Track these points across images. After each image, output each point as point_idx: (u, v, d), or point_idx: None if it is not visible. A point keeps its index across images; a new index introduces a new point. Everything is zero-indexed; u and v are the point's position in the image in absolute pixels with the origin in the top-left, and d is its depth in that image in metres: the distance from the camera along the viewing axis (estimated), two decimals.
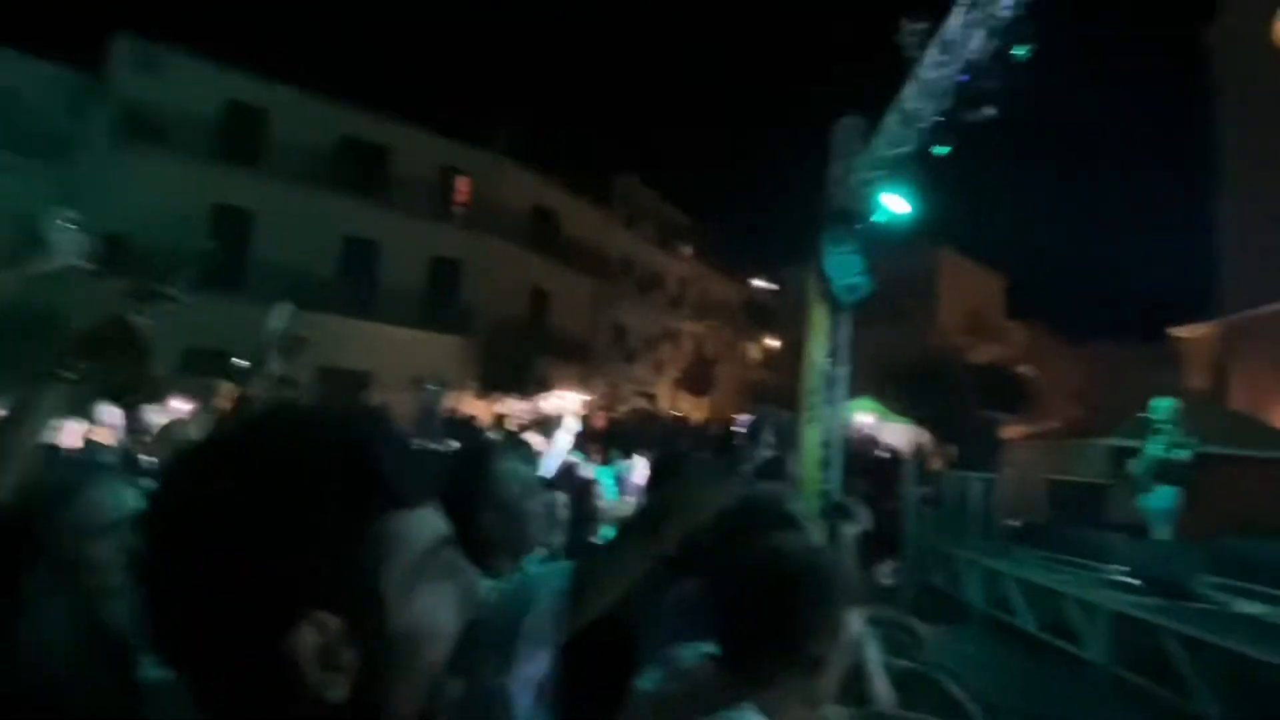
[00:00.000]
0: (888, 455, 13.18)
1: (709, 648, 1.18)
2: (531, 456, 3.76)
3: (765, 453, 1.31)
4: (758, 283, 36.32)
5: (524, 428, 8.96)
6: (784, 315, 30.04)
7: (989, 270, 33.15)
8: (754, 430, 1.40)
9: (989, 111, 6.06)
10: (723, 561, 1.22)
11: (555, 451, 3.68)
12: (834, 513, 2.26)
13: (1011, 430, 17.06)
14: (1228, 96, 19.46)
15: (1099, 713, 4.93)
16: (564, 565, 1.40)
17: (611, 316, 27.35)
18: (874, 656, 1.71)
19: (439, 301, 21.13)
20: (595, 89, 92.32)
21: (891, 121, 7.51)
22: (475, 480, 1.53)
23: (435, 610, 0.53)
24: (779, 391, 18.02)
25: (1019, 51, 5.74)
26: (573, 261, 25.07)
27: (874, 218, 8.52)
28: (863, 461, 12.16)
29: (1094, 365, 28.80)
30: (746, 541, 1.22)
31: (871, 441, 14.25)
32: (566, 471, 3.58)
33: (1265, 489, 11.99)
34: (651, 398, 28.37)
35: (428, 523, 0.55)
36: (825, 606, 1.10)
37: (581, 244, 25.43)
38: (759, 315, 35.48)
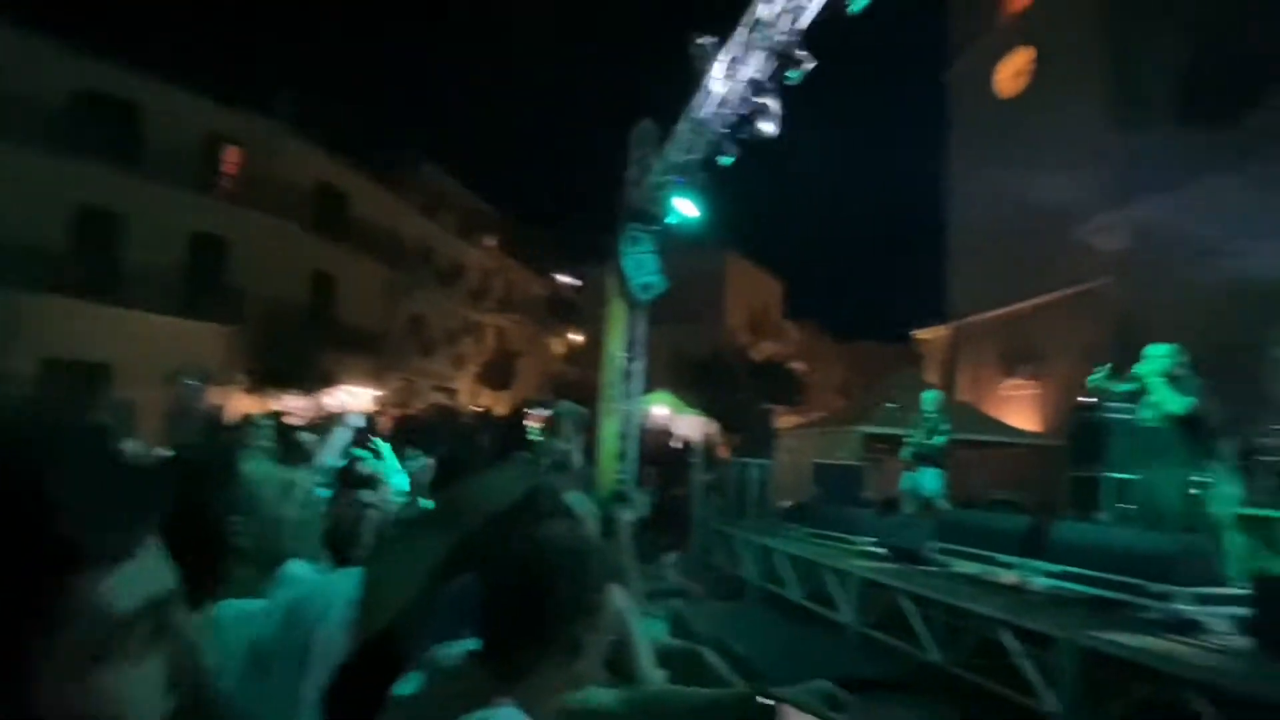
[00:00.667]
0: (680, 445, 13.96)
1: (471, 644, 1.16)
2: (302, 456, 3.49)
3: (560, 445, 1.33)
4: (562, 278, 36.58)
5: (302, 426, 8.28)
6: (587, 311, 30.50)
7: (770, 274, 36.16)
8: (550, 424, 1.42)
9: (769, 128, 6.61)
10: (489, 554, 1.21)
11: (331, 450, 3.44)
12: (613, 501, 2.35)
13: (786, 420, 18.84)
14: (957, 132, 22.90)
15: (848, 668, 5.58)
16: (352, 571, 1.33)
17: (408, 307, 26.03)
18: (639, 634, 1.80)
19: (201, 284, 18.76)
20: (397, 70, 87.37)
21: (683, 129, 7.94)
22: (217, 487, 1.39)
23: (123, 695, 0.44)
24: (581, 386, 18.29)
25: (793, 75, 6.33)
26: (363, 246, 23.44)
27: (667, 220, 8.98)
28: (656, 452, 12.77)
29: (856, 361, 32.59)
30: (514, 533, 1.22)
31: (665, 433, 15.00)
32: (346, 471, 3.35)
33: (981, 467, 14.37)
34: (451, 392, 27.47)
35: (133, 582, 0.45)
36: (580, 589, 1.11)
37: (374, 228, 23.85)
38: (563, 310, 35.75)
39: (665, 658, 1.94)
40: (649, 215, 8.99)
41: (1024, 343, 18.82)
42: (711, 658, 2.25)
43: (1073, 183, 16.35)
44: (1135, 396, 5.95)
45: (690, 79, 7.57)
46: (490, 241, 32.38)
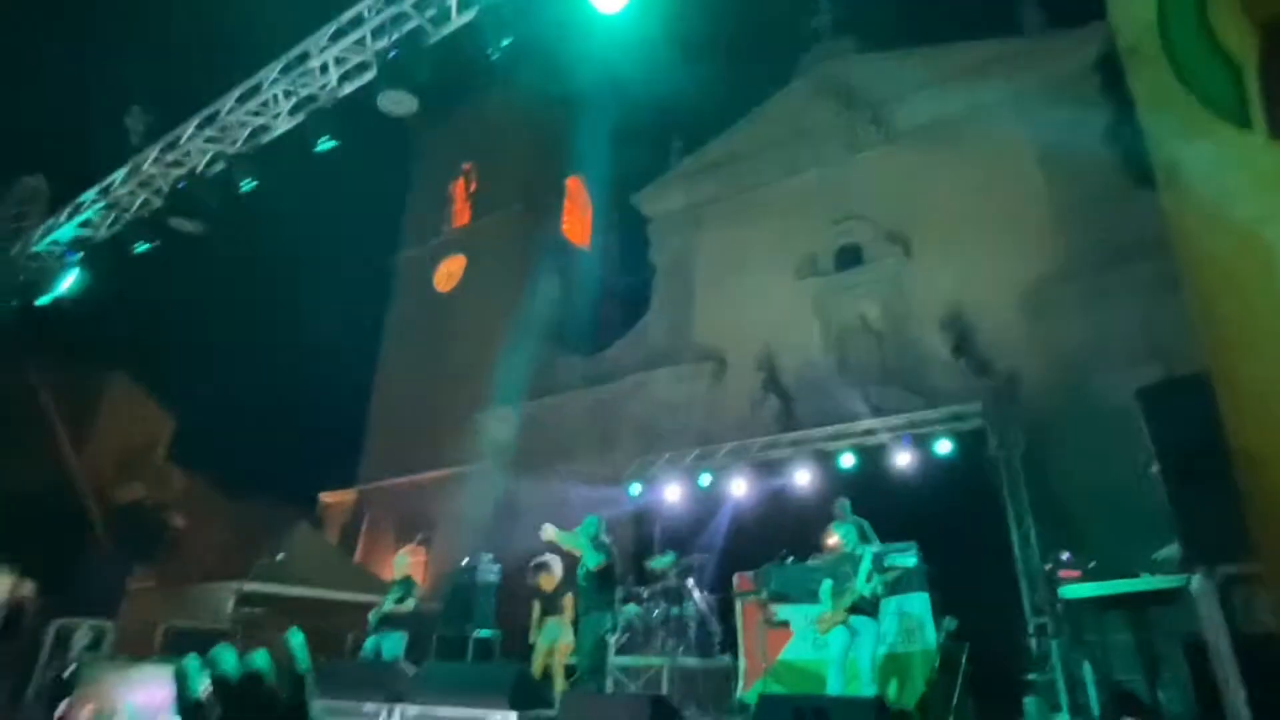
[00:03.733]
0: None
1: None
2: None
3: None
4: None
5: None
6: None
7: (162, 409, 31.16)
8: None
9: (196, 227, 6.18)
10: None
11: None
12: None
13: (144, 580, 15.63)
14: (395, 312, 24.87)
15: None
16: None
17: None
18: None
19: None
20: None
21: (91, 198, 6.79)
22: None
23: None
24: None
25: (245, 185, 6.18)
26: None
27: (39, 298, 7.24)
28: None
29: (249, 519, 29.51)
30: None
31: None
32: None
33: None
34: None
35: None
36: None
37: None
38: None
39: None
40: (5, 285, 7.11)
41: (419, 511, 20.23)
42: None
43: (479, 378, 19.33)
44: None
45: (108, 149, 6.68)
46: None
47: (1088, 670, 7.15)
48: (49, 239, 7.15)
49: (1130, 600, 4.83)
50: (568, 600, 7.30)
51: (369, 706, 5.85)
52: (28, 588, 12.40)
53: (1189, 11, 1.86)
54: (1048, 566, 7.70)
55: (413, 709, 5.51)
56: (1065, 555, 6.54)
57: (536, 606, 7.66)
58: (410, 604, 8.34)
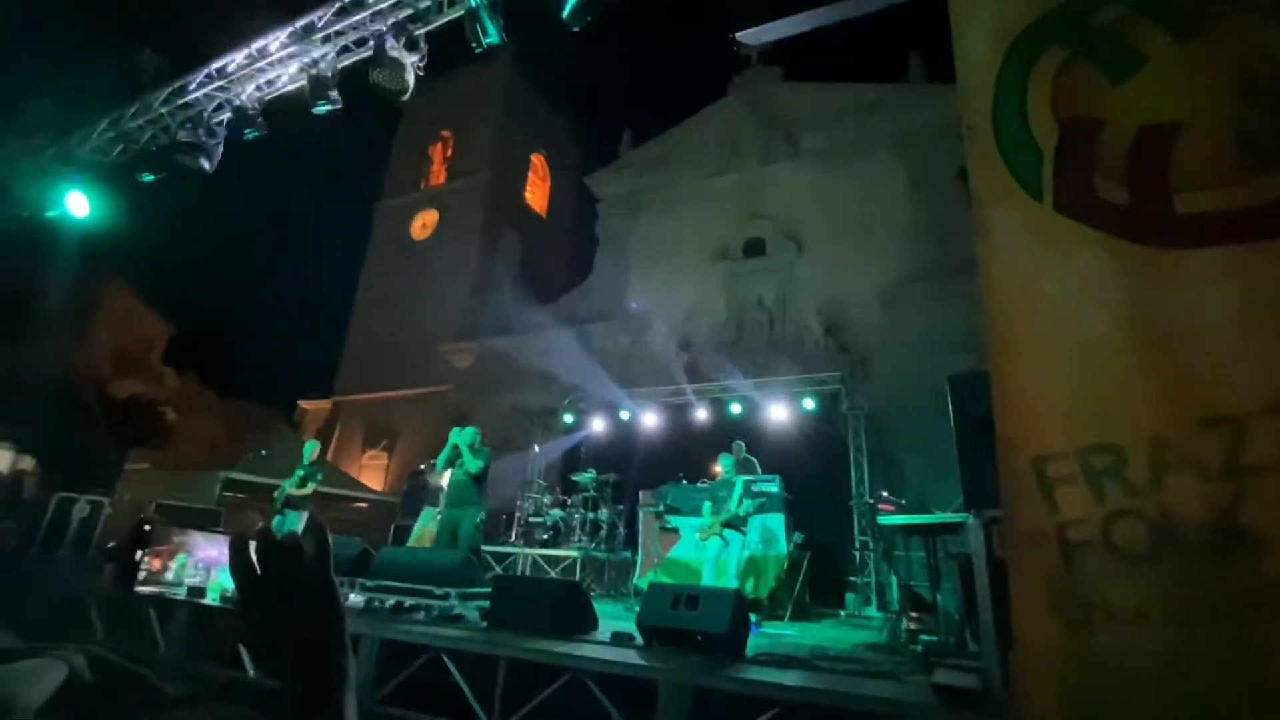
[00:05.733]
0: None
1: None
2: None
3: None
4: None
5: None
6: None
7: (159, 315, 29.00)
8: None
9: (201, 164, 5.74)
10: None
11: None
12: None
13: (140, 462, 14.81)
14: (374, 252, 23.70)
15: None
16: None
17: None
18: None
19: None
20: None
21: (102, 128, 6.17)
22: None
23: None
24: None
25: (249, 133, 5.75)
26: None
27: (47, 210, 6.59)
28: None
29: (236, 418, 28.13)
30: None
31: None
32: None
33: (339, 515, 14.06)
34: None
35: None
36: None
37: None
38: None
39: None
40: (15, 197, 6.43)
41: (384, 423, 19.78)
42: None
43: (444, 315, 18.81)
44: (453, 460, 6.97)
45: (123, 84, 6.05)
46: None
47: (892, 578, 7.84)
48: (55, 155, 6.49)
49: (926, 529, 5.30)
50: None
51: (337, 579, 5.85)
52: (28, 462, 11.60)
53: (1014, 104, 2.01)
54: (871, 501, 8.31)
55: (370, 583, 5.54)
56: (884, 494, 7.06)
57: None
58: (310, 488, 7.66)
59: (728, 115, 16.45)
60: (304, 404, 23.15)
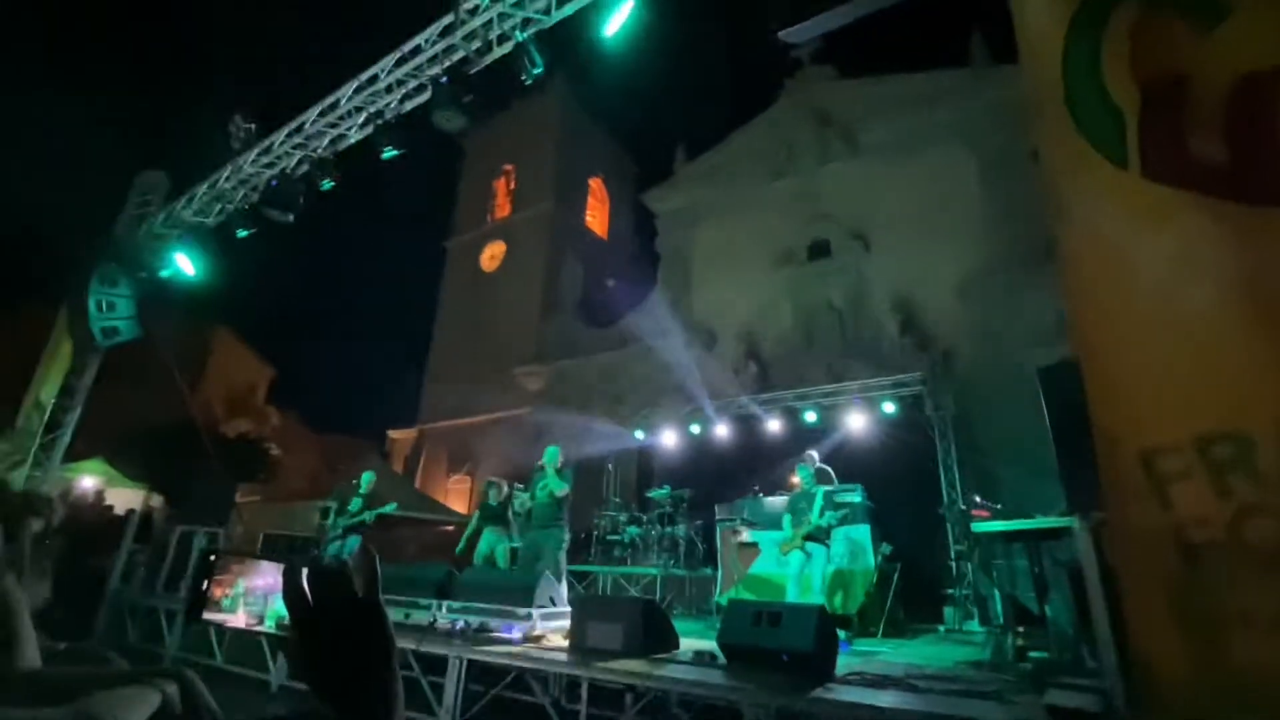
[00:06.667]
0: (117, 516, 10.46)
1: None
2: None
3: None
4: None
5: None
6: None
7: (261, 359, 31.56)
8: None
9: (287, 217, 6.20)
10: None
11: None
12: None
13: (248, 495, 16.02)
14: (448, 285, 24.84)
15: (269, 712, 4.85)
16: None
17: None
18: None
19: None
20: None
21: (202, 192, 6.81)
22: None
23: None
24: None
25: (325, 184, 6.18)
26: None
27: (161, 271, 7.31)
28: (80, 523, 9.31)
29: (330, 451, 30.06)
30: None
31: (94, 504, 11.13)
32: None
33: (422, 539, 14.66)
34: None
35: None
36: None
37: None
38: None
39: None
40: (139, 261, 7.17)
41: (466, 448, 20.49)
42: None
43: (516, 341, 19.39)
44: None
45: (215, 150, 6.66)
46: None
47: (994, 589, 7.31)
48: (165, 220, 7.19)
49: (1028, 535, 4.91)
50: (509, 515, 7.13)
51: (424, 601, 6.05)
52: (156, 500, 12.80)
53: (1086, 70, 1.86)
54: (964, 507, 7.80)
55: (456, 604, 5.69)
56: (977, 499, 6.61)
57: (475, 517, 7.45)
58: (368, 516, 7.87)
59: (782, 119, 16.23)
60: (392, 434, 24.35)
